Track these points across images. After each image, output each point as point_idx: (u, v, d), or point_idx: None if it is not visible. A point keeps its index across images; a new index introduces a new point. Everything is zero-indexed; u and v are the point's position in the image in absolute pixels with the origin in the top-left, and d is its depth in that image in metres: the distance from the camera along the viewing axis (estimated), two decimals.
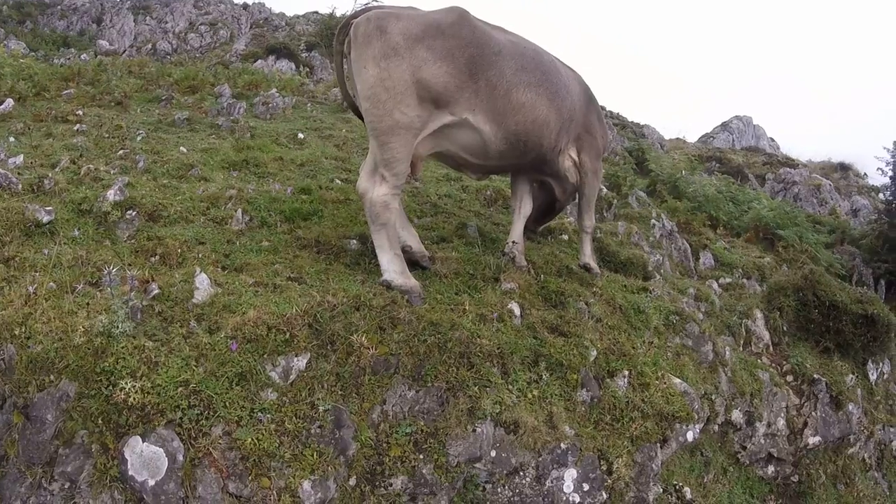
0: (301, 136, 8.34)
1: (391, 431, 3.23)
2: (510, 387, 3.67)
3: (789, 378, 6.24)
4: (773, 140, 22.53)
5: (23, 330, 3.00)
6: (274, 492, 2.81)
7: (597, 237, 6.76)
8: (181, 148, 6.52)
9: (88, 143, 6.11)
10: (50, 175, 4.76)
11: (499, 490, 3.34)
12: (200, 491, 2.75)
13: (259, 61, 15.15)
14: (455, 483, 3.25)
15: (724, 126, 22.40)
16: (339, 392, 3.23)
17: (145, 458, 2.72)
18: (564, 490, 3.48)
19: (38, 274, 3.44)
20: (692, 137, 20.28)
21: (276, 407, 3.03)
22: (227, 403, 2.93)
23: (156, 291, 3.45)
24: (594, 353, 4.26)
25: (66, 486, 2.73)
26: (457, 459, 3.26)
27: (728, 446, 5.32)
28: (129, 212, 4.48)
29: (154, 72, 10.44)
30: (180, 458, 2.77)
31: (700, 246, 8.56)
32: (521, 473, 3.42)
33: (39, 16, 26.81)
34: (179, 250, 4.09)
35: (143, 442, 2.75)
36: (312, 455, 2.97)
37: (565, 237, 6.72)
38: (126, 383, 2.83)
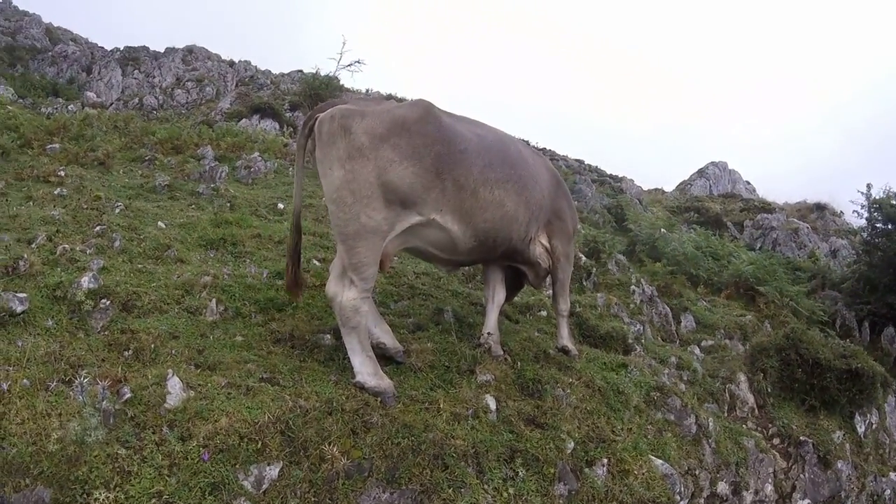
0: (281, 206, 8.54)
1: None
2: (485, 486, 3.73)
3: (776, 441, 6.37)
4: (749, 183, 23.27)
5: None
6: None
7: (576, 311, 6.93)
8: (159, 223, 6.66)
9: (66, 216, 6.23)
10: (25, 256, 4.84)
11: None
12: None
13: (244, 120, 15.56)
14: None
15: (701, 173, 23.09)
16: (313, 499, 3.27)
17: None
18: None
19: (11, 369, 3.51)
20: (669, 186, 20.90)
21: None
22: None
23: (128, 395, 3.51)
24: (571, 444, 4.33)
25: None
26: None
27: None
28: (102, 300, 4.56)
29: (138, 130, 10.71)
30: None
31: (681, 309, 8.76)
32: None
33: (30, 60, 27.23)
34: (153, 345, 4.16)
35: None
36: None
37: (544, 313, 6.89)
38: (100, 494, 2.88)
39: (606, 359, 5.90)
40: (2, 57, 26.23)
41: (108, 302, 4.60)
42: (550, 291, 6.03)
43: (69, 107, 15.03)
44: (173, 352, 4.17)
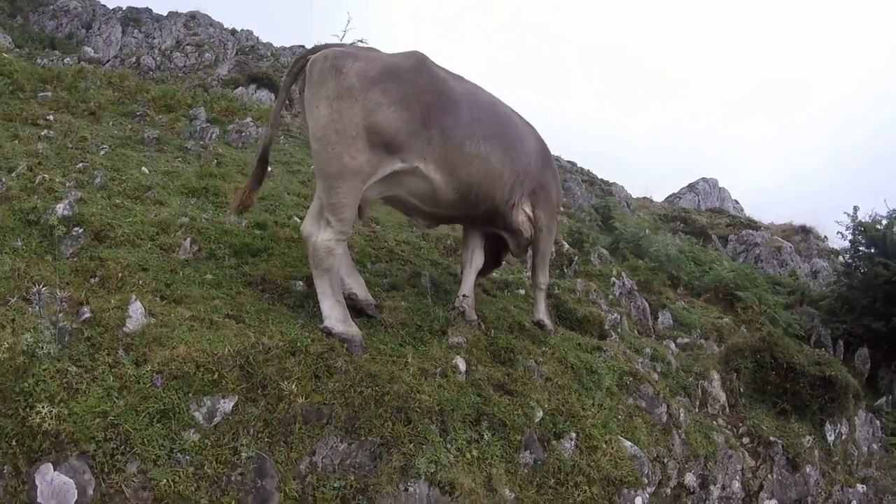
0: (269, 168, 8.33)
1: (318, 485, 3.12)
2: (448, 445, 3.60)
3: (745, 440, 6.32)
4: (737, 202, 23.45)
5: None
6: None
7: (554, 294, 6.85)
8: (143, 168, 6.46)
9: (50, 151, 6.02)
10: (3, 180, 4.65)
11: None
12: None
13: (240, 88, 15.25)
14: None
15: (691, 187, 23.23)
16: (266, 439, 3.12)
17: (55, 487, 2.61)
18: None
19: None
20: (659, 197, 20.98)
21: (197, 449, 2.92)
22: (145, 440, 2.82)
23: (87, 315, 3.34)
24: (540, 413, 4.22)
25: None
26: None
27: None
28: (76, 228, 4.40)
29: (132, 86, 10.41)
30: (90, 492, 2.65)
31: (659, 305, 8.71)
32: None
33: (31, 13, 26.60)
34: (120, 274, 3.98)
35: (55, 470, 2.64)
36: (230, 503, 2.85)
37: (522, 291, 6.78)
38: (43, 407, 2.73)
39: (581, 341, 5.82)
40: (3, 7, 25.63)
41: (81, 230, 4.44)
42: (530, 265, 5.93)
43: (65, 60, 14.64)
44: (140, 282, 4.01)
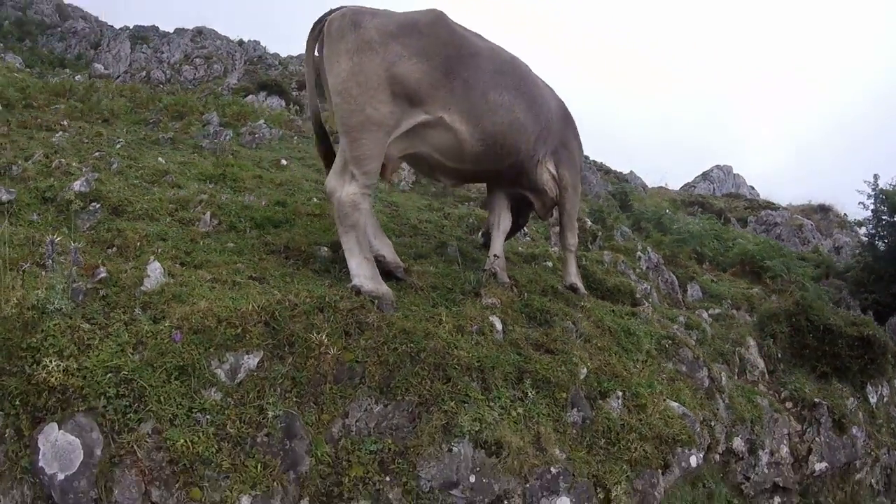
0: (284, 162, 8.04)
1: (353, 448, 2.76)
2: (491, 403, 3.22)
3: (788, 405, 5.91)
4: (753, 188, 22.75)
5: None
6: None
7: (582, 265, 6.46)
8: (159, 158, 6.18)
9: (66, 143, 5.78)
10: (19, 163, 4.41)
11: None
12: (117, 494, 2.27)
13: (250, 96, 15.03)
14: None
15: (705, 175, 22.61)
16: (295, 399, 2.78)
17: (59, 448, 2.27)
18: None
19: None
20: (673, 186, 20.39)
21: (219, 408, 2.57)
22: (161, 398, 2.48)
23: (103, 275, 3.04)
24: (584, 371, 3.85)
25: None
26: (429, 484, 2.78)
27: (731, 477, 4.89)
28: (93, 203, 4.17)
29: (144, 96, 10.19)
30: (98, 452, 2.31)
31: (687, 278, 8.31)
32: (506, 502, 2.92)
33: (39, 36, 26.67)
34: (139, 243, 3.72)
35: (59, 430, 2.30)
36: (256, 467, 2.49)
37: (549, 264, 6.37)
38: (50, 362, 2.41)
39: (615, 308, 5.47)
40: (11, 31, 25.69)
41: (99, 205, 4.20)
42: (557, 228, 5.55)
43: (76, 77, 14.50)
44: (160, 250, 3.71)
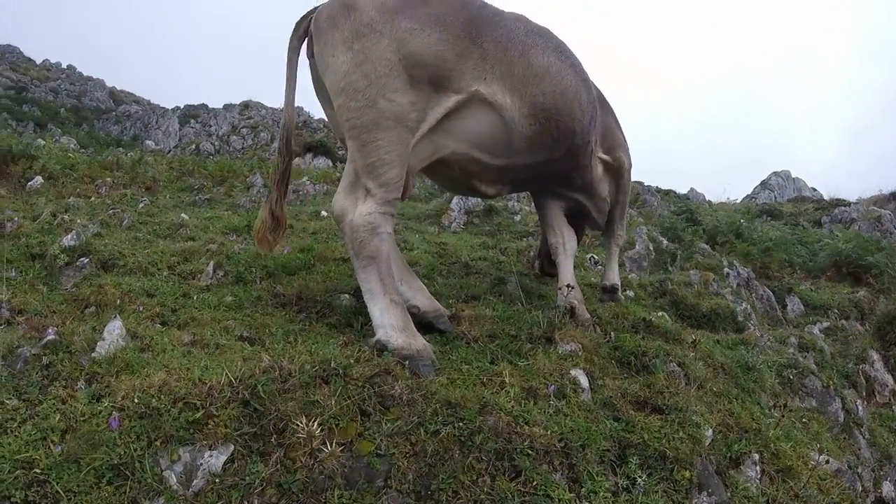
0: (324, 213, 7.21)
1: None
2: (582, 500, 2.01)
3: None
4: (815, 190, 20.36)
5: None
6: None
7: (669, 289, 5.18)
8: (182, 214, 5.43)
9: (82, 204, 5.18)
10: (16, 219, 3.77)
11: None
12: None
13: (297, 159, 14.75)
14: None
15: (764, 184, 20.46)
16: None
17: None
18: None
19: None
20: (734, 199, 18.46)
21: None
22: None
23: (50, 338, 2.19)
24: (710, 433, 2.59)
25: None
26: None
27: None
28: (81, 258, 3.43)
29: (191, 165, 9.83)
30: None
31: (784, 291, 6.75)
32: None
33: (95, 120, 28.16)
34: (118, 301, 2.87)
35: None
36: None
37: (630, 293, 5.06)
38: None
39: (717, 337, 4.29)
40: (68, 117, 27.17)
41: (87, 260, 3.44)
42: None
43: (128, 154, 14.64)
44: (141, 308, 2.82)
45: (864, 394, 4.98)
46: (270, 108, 23.43)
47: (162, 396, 1.82)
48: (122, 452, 1.69)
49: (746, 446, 2.72)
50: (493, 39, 2.81)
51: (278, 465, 1.77)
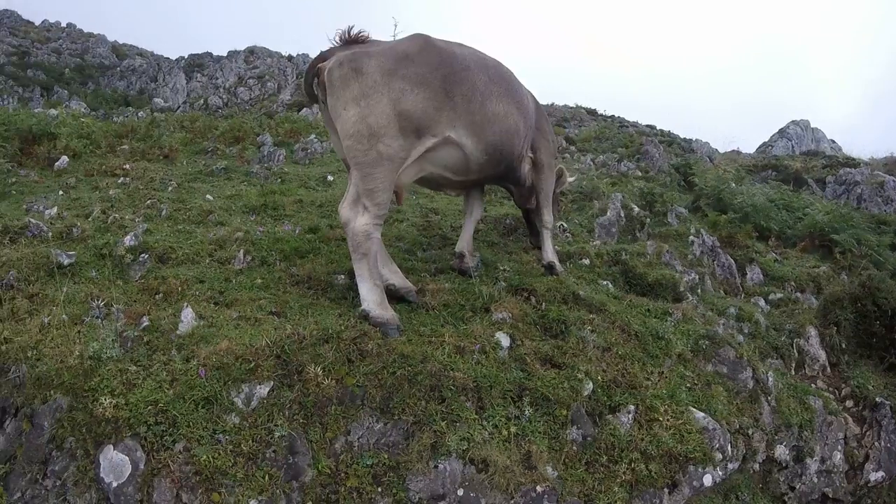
0: (330, 178, 8.62)
1: (351, 462, 3.20)
2: (484, 423, 3.50)
3: (849, 403, 5.53)
4: (833, 142, 20.79)
5: (34, 353, 3.41)
6: None
7: (622, 259, 6.41)
8: (207, 196, 6.96)
9: (122, 195, 6.64)
10: (79, 224, 5.25)
11: None
12: (156, 497, 2.93)
13: (304, 110, 15.82)
14: None
15: (782, 133, 20.90)
16: (301, 420, 3.25)
17: (114, 463, 2.98)
18: None
19: (55, 308, 3.84)
20: (750, 148, 19.12)
21: (236, 430, 3.13)
22: (190, 423, 3.08)
23: (146, 323, 3.73)
24: (590, 386, 3.94)
25: (56, 483, 3.05)
26: (418, 496, 3.15)
27: (772, 487, 4.72)
28: (142, 255, 4.84)
29: (202, 126, 11.17)
30: (141, 466, 2.98)
31: (746, 260, 7.88)
32: None
33: (100, 77, 29.28)
34: (180, 288, 4.35)
35: (114, 450, 3.00)
36: (263, 477, 3.03)
37: (586, 262, 6.40)
38: (105, 399, 3.10)
39: (651, 306, 5.36)
40: (73, 77, 28.22)
41: (147, 256, 4.87)
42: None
43: (139, 114, 15.91)
44: (197, 293, 4.34)
45: (793, 365, 5.83)
46: (276, 53, 24.14)
47: (228, 356, 3.35)
48: (209, 390, 3.20)
49: (626, 399, 3.90)
50: (461, 93, 4.15)
51: (298, 392, 3.33)
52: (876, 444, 5.11)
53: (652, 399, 4.00)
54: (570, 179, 6.30)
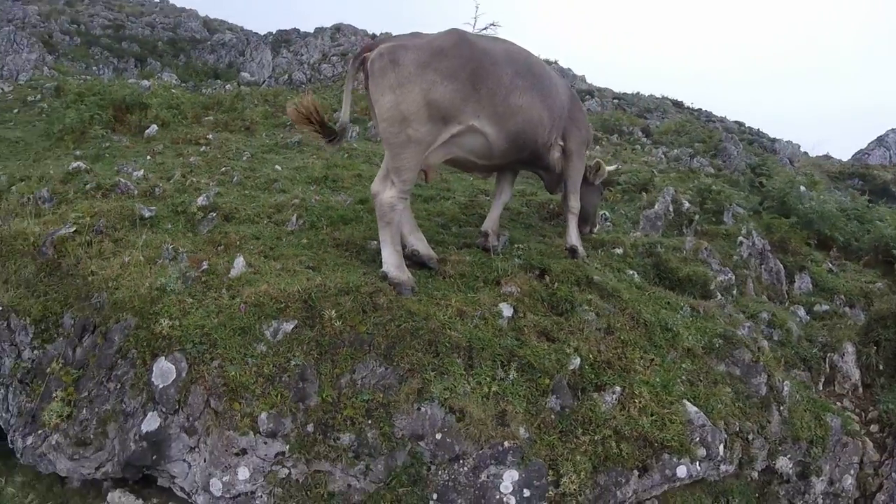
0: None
1: (351, 395, 3.87)
2: (469, 379, 3.98)
3: (873, 428, 5.44)
4: None
5: (114, 284, 4.40)
6: (239, 413, 3.75)
7: (656, 252, 6.52)
8: (276, 166, 7.90)
9: (201, 162, 7.70)
10: (161, 185, 6.35)
11: (439, 473, 3.68)
12: (191, 399, 3.83)
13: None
14: (395, 453, 3.73)
15: (880, 141, 19.24)
16: (315, 356, 3.98)
17: (163, 370, 3.90)
18: (501, 489, 3.59)
19: (134, 251, 4.82)
20: (845, 154, 17.84)
21: (262, 356, 3.93)
22: (226, 346, 3.94)
23: (205, 267, 4.64)
24: (577, 361, 4.25)
25: (117, 386, 4.01)
26: (401, 432, 3.76)
27: (770, 499, 4.77)
28: (211, 213, 5.83)
29: (283, 101, 12.21)
30: (184, 374, 3.88)
31: (797, 267, 7.70)
32: (461, 462, 3.70)
33: (191, 50, 31.53)
34: (238, 242, 5.26)
35: (165, 360, 3.91)
36: (277, 396, 3.80)
37: (619, 251, 6.63)
38: (164, 321, 4.02)
39: (672, 299, 5.46)
40: (166, 50, 30.46)
41: (215, 214, 5.87)
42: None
43: (226, 87, 17.26)
44: (251, 247, 5.23)
45: (821, 380, 5.79)
46: (362, 30, 25.18)
47: (265, 297, 4.17)
48: (245, 322, 4.04)
49: (614, 381, 4.12)
50: (487, 87, 4.64)
51: (317, 332, 4.07)
52: (893, 474, 4.96)
53: (641, 385, 4.19)
54: (610, 168, 6.50)
